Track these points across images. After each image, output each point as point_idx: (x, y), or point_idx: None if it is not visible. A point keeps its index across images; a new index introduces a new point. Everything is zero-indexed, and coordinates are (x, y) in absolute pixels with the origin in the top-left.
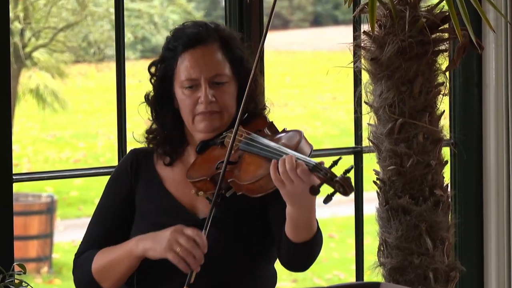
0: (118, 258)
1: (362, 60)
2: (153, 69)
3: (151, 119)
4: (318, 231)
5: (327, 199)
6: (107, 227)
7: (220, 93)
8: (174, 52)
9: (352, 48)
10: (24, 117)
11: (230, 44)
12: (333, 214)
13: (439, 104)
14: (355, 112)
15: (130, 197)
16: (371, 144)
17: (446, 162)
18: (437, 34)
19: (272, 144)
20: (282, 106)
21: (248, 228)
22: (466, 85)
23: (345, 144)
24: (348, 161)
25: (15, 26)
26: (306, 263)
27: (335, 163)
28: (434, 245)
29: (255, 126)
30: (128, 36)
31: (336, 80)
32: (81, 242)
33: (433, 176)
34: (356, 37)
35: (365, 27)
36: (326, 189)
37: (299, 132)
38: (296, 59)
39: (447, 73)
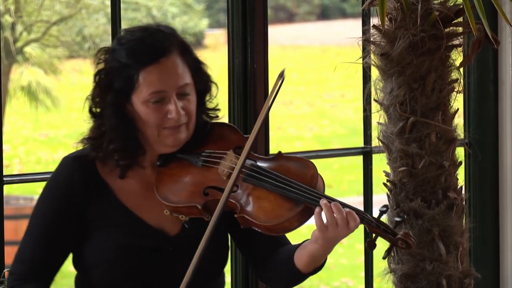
0: None
1: (372, 56)
2: (98, 79)
3: (99, 129)
4: (326, 258)
5: (387, 255)
6: (50, 250)
7: (186, 103)
8: (133, 66)
9: (361, 42)
10: (15, 116)
11: (187, 49)
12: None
13: (452, 101)
14: (364, 110)
15: (78, 215)
16: (381, 144)
17: (460, 163)
18: (451, 28)
19: (289, 179)
20: (287, 104)
21: (217, 244)
22: (481, 82)
23: (354, 144)
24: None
25: (6, 19)
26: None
27: (382, 213)
28: (448, 251)
29: (227, 140)
30: None
31: (345, 76)
32: (16, 263)
33: (447, 178)
34: (365, 31)
35: (375, 20)
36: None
37: (308, 163)
38: (302, 54)
39: (461, 69)
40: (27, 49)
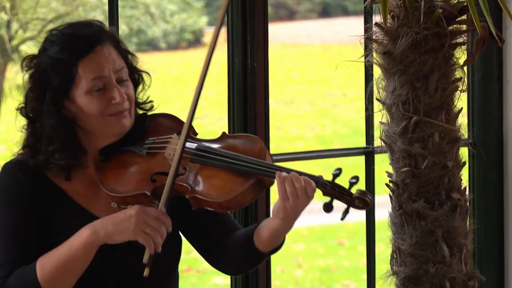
0: (72, 256)
1: (374, 54)
2: (31, 82)
3: (36, 133)
4: (284, 237)
5: (345, 216)
6: (28, 241)
7: (126, 89)
8: (70, 59)
9: (363, 41)
10: (11, 116)
11: (118, 40)
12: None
13: (456, 101)
14: (366, 110)
15: (35, 213)
16: (383, 144)
17: (464, 163)
18: (455, 26)
19: (236, 154)
20: (288, 104)
21: (173, 235)
22: (486, 81)
23: (356, 144)
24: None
25: (1, 17)
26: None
27: (336, 175)
28: (451, 253)
29: (167, 128)
30: (123, 28)
31: (346, 75)
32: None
33: (450, 179)
34: (367, 29)
35: (377, 18)
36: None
37: (254, 139)
38: (303, 53)
39: (465, 68)
40: (23, 48)
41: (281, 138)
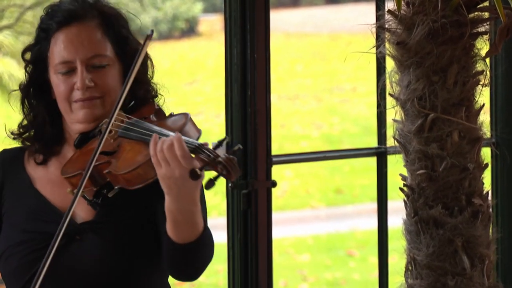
0: None
1: (387, 45)
2: (27, 55)
3: (23, 112)
4: (206, 230)
5: (210, 184)
6: None
7: (101, 76)
8: (47, 32)
9: (374, 30)
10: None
11: (113, 21)
12: (352, 227)
13: (477, 96)
14: (378, 106)
15: None
16: (397, 144)
17: (486, 165)
18: (476, 13)
19: (154, 128)
20: (292, 99)
21: (135, 234)
22: (510, 74)
23: (367, 144)
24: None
25: None
26: (193, 270)
27: (220, 143)
28: (472, 264)
29: (141, 113)
30: None
31: (356, 68)
32: None
33: (471, 182)
34: (379, 17)
35: (390, 5)
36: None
37: (185, 115)
38: (309, 43)
39: (487, 60)
40: None
41: (284, 138)
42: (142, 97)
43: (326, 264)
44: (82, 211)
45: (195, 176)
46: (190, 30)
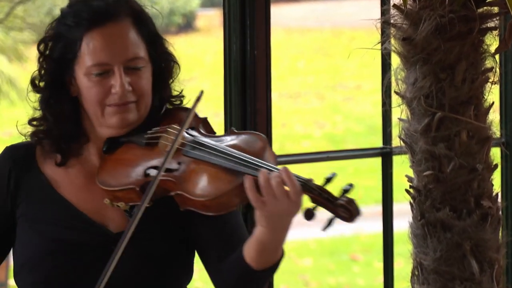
0: None
1: (392, 40)
2: (42, 47)
3: (38, 107)
4: (283, 253)
5: (327, 226)
6: None
7: (137, 79)
8: (75, 29)
9: (379, 25)
10: None
11: (144, 19)
12: (356, 231)
13: (487, 94)
14: (384, 104)
15: (7, 211)
16: (403, 144)
17: (496, 166)
18: (485, 8)
19: (232, 150)
20: (294, 97)
21: (170, 246)
22: None
23: (371, 144)
24: (345, 179)
25: None
26: None
27: (328, 180)
28: (481, 269)
29: (180, 121)
30: None
31: (360, 65)
32: None
33: (480, 184)
34: (384, 12)
35: None
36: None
37: (259, 136)
38: (311, 39)
39: (497, 56)
40: None
41: (286, 137)
42: (169, 100)
43: (329, 269)
44: (113, 220)
45: (311, 216)
46: (187, 25)
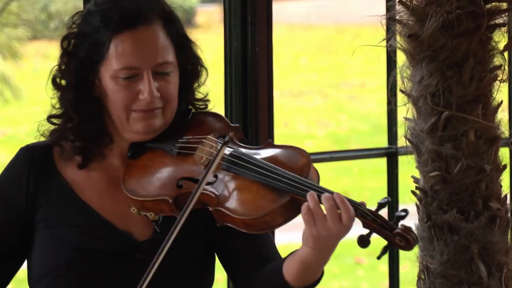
0: None
1: (398, 37)
2: (65, 44)
3: (59, 106)
4: (323, 272)
5: (382, 255)
6: None
7: (165, 84)
8: (104, 30)
9: (384, 21)
10: None
11: (174, 21)
12: (360, 234)
13: (495, 93)
14: (389, 103)
15: (24, 214)
16: (408, 143)
17: (505, 166)
18: (493, 4)
19: (274, 166)
20: (296, 96)
21: (195, 256)
22: None
23: (376, 144)
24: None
25: None
26: None
27: (382, 206)
28: (489, 273)
29: (210, 128)
30: None
31: (365, 62)
32: None
33: (488, 185)
34: (389, 8)
35: None
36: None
37: (301, 151)
38: (314, 36)
39: (506, 54)
40: None
41: (288, 137)
42: (192, 103)
43: (333, 272)
44: (138, 228)
45: (366, 244)
46: (186, 21)
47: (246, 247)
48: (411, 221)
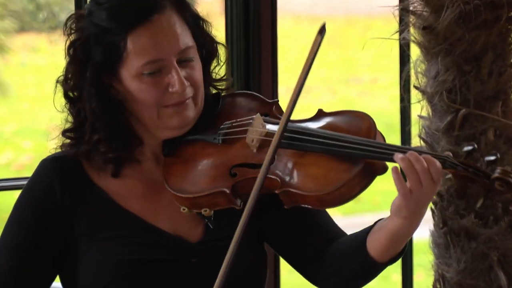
0: None
1: (411, 30)
2: (72, 51)
3: (76, 119)
4: (407, 243)
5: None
6: (24, 272)
7: (191, 71)
8: (116, 30)
9: (397, 12)
10: None
11: (186, 3)
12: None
13: None
14: (402, 100)
15: (60, 228)
16: (423, 143)
17: None
18: None
19: (341, 135)
20: (303, 92)
21: (249, 249)
22: None
23: (389, 142)
24: None
25: None
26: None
27: (469, 153)
28: (509, 281)
29: (247, 108)
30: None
31: (376, 56)
32: None
33: None
34: None
35: None
36: None
37: (359, 114)
38: None
39: None
40: None
41: None
42: (217, 84)
43: None
44: (188, 229)
45: (463, 196)
46: None
47: (309, 227)
48: (426, 227)
